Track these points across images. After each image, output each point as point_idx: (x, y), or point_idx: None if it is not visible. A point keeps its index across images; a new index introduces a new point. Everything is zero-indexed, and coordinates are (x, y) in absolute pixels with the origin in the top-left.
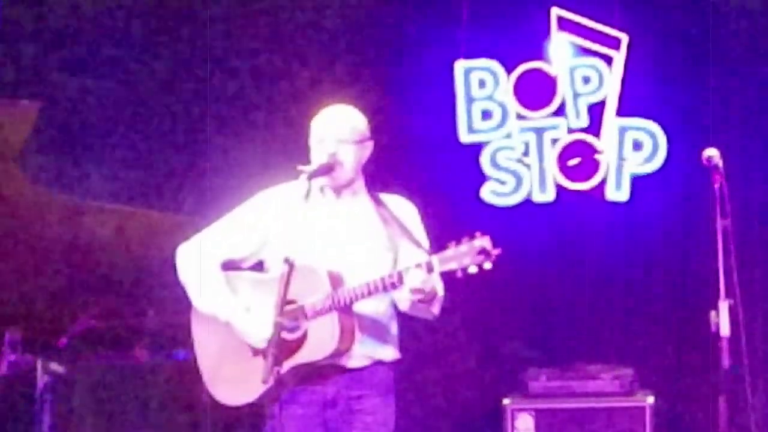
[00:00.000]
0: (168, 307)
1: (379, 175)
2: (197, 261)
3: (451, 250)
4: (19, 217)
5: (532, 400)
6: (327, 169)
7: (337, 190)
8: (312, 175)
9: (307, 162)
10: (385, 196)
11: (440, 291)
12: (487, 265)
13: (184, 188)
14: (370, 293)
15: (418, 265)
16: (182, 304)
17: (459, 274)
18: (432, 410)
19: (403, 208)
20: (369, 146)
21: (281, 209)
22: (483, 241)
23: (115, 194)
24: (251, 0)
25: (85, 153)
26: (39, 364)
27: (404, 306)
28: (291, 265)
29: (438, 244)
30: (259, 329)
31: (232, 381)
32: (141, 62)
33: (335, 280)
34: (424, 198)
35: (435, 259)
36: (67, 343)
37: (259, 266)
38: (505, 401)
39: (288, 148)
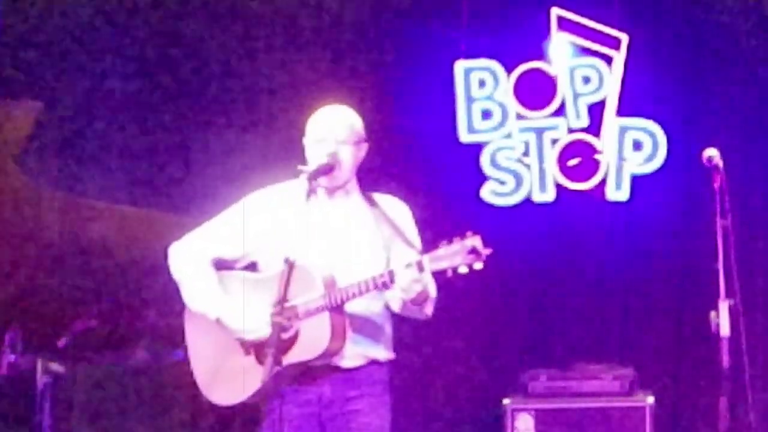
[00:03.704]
0: (168, 307)
1: (379, 175)
2: (188, 259)
3: (443, 249)
4: (18, 216)
5: (532, 400)
6: (327, 169)
7: (330, 191)
8: (313, 175)
9: (306, 162)
10: (377, 196)
11: (433, 292)
12: (478, 265)
13: (184, 188)
14: (361, 293)
15: (409, 265)
16: (182, 304)
17: (449, 274)
18: (432, 410)
19: (395, 208)
20: (365, 147)
21: (275, 209)
22: (474, 241)
23: (115, 194)
24: (251, 0)
25: (85, 153)
26: (39, 364)
27: (396, 306)
28: (291, 265)
29: (437, 244)
30: (251, 325)
31: (225, 381)
32: (141, 62)
33: (328, 281)
34: (424, 198)
35: (426, 259)
36: (67, 343)
37: (251, 267)
38: (505, 401)
39: (288, 148)
